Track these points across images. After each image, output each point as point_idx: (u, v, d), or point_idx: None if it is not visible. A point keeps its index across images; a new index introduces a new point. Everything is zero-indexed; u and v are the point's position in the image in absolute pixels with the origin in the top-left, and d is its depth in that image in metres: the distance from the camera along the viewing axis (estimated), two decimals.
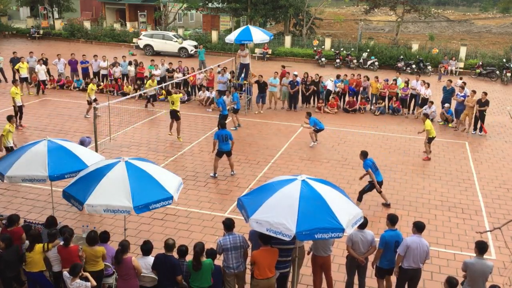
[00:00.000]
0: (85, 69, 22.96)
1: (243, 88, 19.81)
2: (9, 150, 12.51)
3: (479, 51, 33.06)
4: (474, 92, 17.96)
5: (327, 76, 22.42)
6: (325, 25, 50.20)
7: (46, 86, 22.03)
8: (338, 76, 21.14)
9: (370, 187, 11.63)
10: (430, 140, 15.01)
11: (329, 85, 20.58)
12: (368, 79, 20.98)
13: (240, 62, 19.70)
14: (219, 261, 7.89)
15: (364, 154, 11.65)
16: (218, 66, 21.50)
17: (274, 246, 7.37)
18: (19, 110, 16.75)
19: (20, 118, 16.91)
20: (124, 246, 7.22)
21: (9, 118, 13.26)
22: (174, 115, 15.79)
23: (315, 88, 20.30)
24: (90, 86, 18.15)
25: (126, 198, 7.23)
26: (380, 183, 11.60)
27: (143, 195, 7.36)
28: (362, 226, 7.78)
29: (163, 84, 20.96)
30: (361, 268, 8.11)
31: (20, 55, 23.11)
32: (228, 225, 7.69)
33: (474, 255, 7.48)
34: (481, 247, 7.29)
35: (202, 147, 15.63)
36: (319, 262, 8.05)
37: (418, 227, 7.75)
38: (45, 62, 22.31)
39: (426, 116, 15.27)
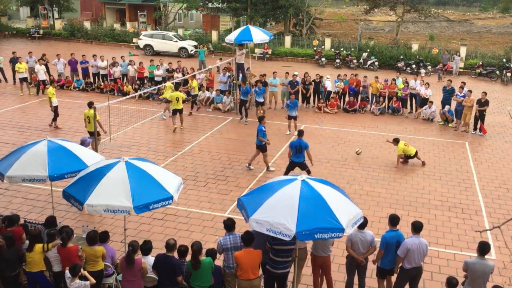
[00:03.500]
0: (85, 69, 22.96)
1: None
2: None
3: (479, 51, 33.06)
4: (470, 92, 17.96)
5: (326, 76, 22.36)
6: (325, 25, 50.21)
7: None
8: (338, 76, 21.15)
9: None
10: (412, 157, 14.59)
11: (328, 84, 20.56)
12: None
13: (236, 62, 19.72)
14: (219, 261, 7.90)
15: (299, 134, 12.62)
16: (228, 63, 21.49)
17: (275, 247, 7.38)
18: (54, 111, 16.68)
19: (55, 119, 16.82)
20: (134, 247, 7.21)
21: (90, 105, 13.84)
22: (178, 111, 17.07)
23: (306, 88, 20.28)
24: (169, 85, 18.63)
25: (126, 198, 7.23)
26: (297, 164, 12.46)
27: (143, 195, 7.35)
28: (362, 226, 7.78)
29: (163, 84, 20.94)
30: (360, 268, 8.12)
31: (20, 55, 23.13)
32: (229, 225, 7.70)
33: (473, 254, 7.48)
34: (483, 248, 7.28)
35: (202, 147, 15.63)
36: (318, 262, 8.05)
37: (416, 228, 7.75)
38: (46, 65, 22.41)
39: (396, 141, 14.59)
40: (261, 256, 7.35)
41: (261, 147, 13.62)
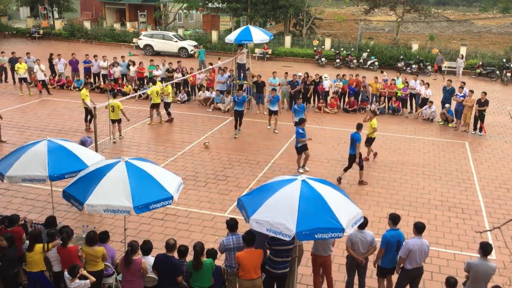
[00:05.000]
0: (87, 69, 22.93)
1: (244, 88, 19.78)
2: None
3: (479, 51, 33.05)
4: (472, 92, 17.97)
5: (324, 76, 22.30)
6: (325, 25, 50.21)
7: (49, 86, 21.95)
8: (337, 76, 21.15)
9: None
10: (371, 141, 14.50)
11: (325, 84, 20.49)
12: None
13: (238, 62, 19.69)
14: (219, 261, 7.89)
15: (357, 127, 12.92)
16: (210, 64, 21.24)
17: (274, 247, 7.38)
18: (89, 113, 16.62)
19: (90, 121, 16.61)
20: (133, 247, 7.21)
21: (115, 95, 16.93)
22: (156, 106, 17.65)
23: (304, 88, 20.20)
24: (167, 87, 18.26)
25: (126, 198, 7.23)
26: (349, 156, 12.99)
27: (143, 195, 7.35)
28: (362, 226, 7.78)
29: (163, 85, 20.94)
30: (361, 268, 8.11)
31: (20, 55, 23.13)
32: (232, 225, 7.69)
33: (474, 254, 7.48)
34: (485, 249, 7.28)
35: (202, 147, 15.63)
36: (319, 262, 8.05)
37: (418, 229, 7.74)
38: (52, 65, 22.58)
39: (375, 113, 14.70)
40: (262, 256, 7.36)
41: (297, 149, 13.57)
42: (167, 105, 17.97)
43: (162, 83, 18.43)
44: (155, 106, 17.62)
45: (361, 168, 13.03)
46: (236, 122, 16.70)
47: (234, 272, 7.55)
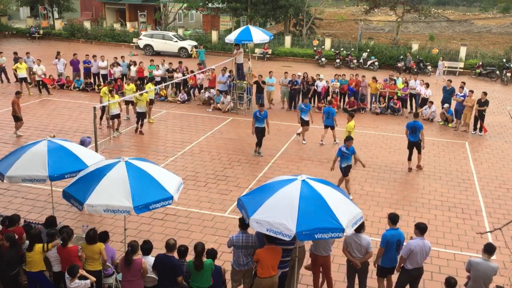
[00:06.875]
0: (87, 69, 22.93)
1: (243, 89, 19.77)
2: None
3: (479, 51, 33.04)
4: (472, 92, 17.96)
5: (324, 76, 22.28)
6: (325, 25, 50.21)
7: (48, 86, 21.96)
8: (335, 76, 21.15)
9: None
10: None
11: (319, 84, 20.42)
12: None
13: (236, 62, 19.71)
14: (219, 261, 7.89)
15: (415, 115, 14.30)
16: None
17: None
18: (103, 110, 16.74)
19: (101, 118, 16.95)
20: (133, 247, 7.21)
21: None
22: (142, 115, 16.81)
23: (311, 88, 20.25)
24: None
25: (126, 198, 7.22)
26: (413, 143, 13.93)
27: (143, 195, 7.35)
28: (358, 229, 7.66)
29: (163, 85, 20.96)
30: (360, 272, 8.00)
31: (21, 55, 23.13)
32: (244, 223, 7.70)
33: (474, 254, 7.49)
34: (489, 250, 7.29)
35: (202, 147, 15.63)
36: (319, 262, 8.04)
37: (421, 229, 7.73)
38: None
39: (352, 116, 14.65)
40: (281, 253, 7.36)
41: (341, 170, 12.16)
42: (141, 116, 16.65)
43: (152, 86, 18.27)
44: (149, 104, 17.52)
45: (420, 152, 14.10)
46: (259, 141, 14.89)
47: (241, 270, 7.57)
